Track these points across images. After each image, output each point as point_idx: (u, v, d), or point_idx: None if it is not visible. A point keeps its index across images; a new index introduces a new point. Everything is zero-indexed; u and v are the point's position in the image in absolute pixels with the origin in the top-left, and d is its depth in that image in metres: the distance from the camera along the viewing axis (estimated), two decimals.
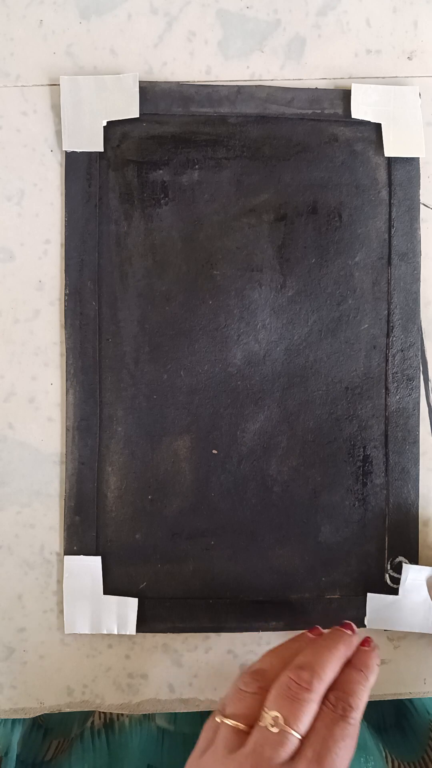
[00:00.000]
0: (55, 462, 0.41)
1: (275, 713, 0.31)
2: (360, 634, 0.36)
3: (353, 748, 0.31)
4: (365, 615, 0.40)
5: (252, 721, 0.31)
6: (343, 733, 0.31)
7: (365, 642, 0.36)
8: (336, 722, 0.31)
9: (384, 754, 0.41)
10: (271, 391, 0.41)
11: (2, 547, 0.40)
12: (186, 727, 0.43)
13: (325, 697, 0.32)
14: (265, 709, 0.31)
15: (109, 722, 0.43)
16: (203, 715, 0.43)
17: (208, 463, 0.40)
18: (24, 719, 0.42)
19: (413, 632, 0.41)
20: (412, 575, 0.40)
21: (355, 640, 0.35)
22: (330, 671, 0.32)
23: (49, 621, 0.41)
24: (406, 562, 0.41)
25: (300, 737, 0.30)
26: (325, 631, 0.36)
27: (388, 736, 0.40)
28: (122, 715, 0.43)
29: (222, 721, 0.32)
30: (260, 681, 0.33)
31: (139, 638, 0.41)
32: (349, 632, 0.35)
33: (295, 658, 0.33)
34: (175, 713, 0.43)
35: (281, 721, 0.30)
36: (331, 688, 0.33)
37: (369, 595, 0.40)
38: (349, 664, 0.34)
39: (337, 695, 0.32)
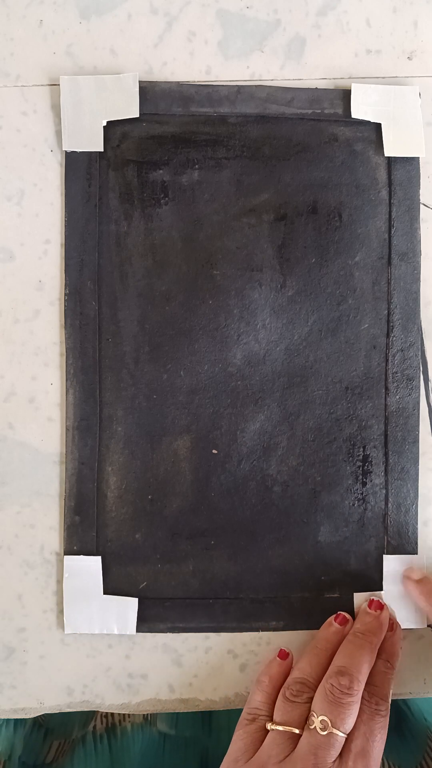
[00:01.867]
0: (55, 462, 0.41)
1: (323, 717, 0.35)
2: (386, 609, 0.39)
3: (386, 734, 0.36)
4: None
5: (301, 725, 0.36)
6: (379, 725, 0.36)
7: (391, 626, 0.39)
8: (373, 717, 0.36)
9: (383, 759, 0.41)
10: (271, 391, 0.41)
11: (2, 547, 0.40)
12: (187, 731, 0.43)
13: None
14: (313, 713, 0.35)
15: (111, 726, 0.43)
16: (204, 719, 0.43)
17: (208, 463, 0.40)
18: (26, 720, 0.42)
19: (412, 632, 0.41)
20: (392, 567, 0.40)
21: (385, 626, 0.39)
22: (366, 670, 0.36)
23: (49, 621, 0.41)
24: None
25: (346, 735, 0.35)
26: (348, 616, 0.39)
27: (388, 740, 0.40)
28: (124, 719, 0.43)
29: (274, 728, 0.36)
30: (307, 691, 0.37)
31: (139, 638, 0.41)
32: (377, 612, 0.39)
33: (333, 662, 0.37)
34: (176, 717, 0.43)
35: (329, 724, 0.34)
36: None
37: (355, 594, 0.40)
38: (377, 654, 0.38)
39: (370, 690, 0.37)
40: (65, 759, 0.42)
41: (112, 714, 0.43)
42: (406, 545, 0.41)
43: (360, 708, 0.36)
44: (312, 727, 0.35)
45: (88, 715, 0.43)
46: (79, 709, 0.41)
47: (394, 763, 0.41)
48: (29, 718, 0.43)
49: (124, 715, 0.43)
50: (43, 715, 0.41)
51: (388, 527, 0.41)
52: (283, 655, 0.39)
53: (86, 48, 0.40)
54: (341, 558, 0.41)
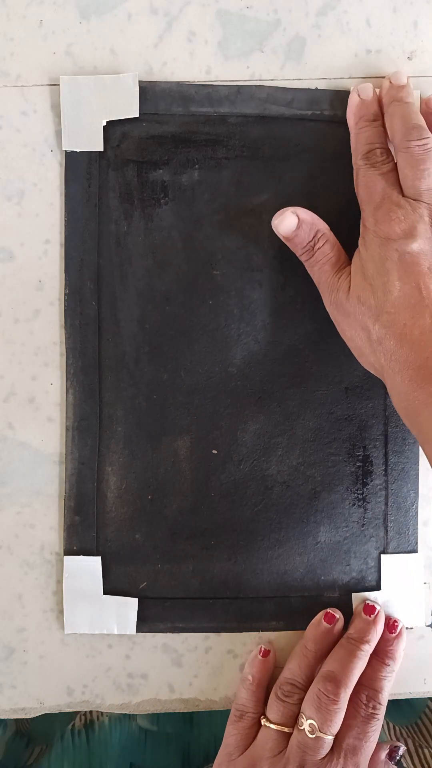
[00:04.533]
0: (55, 462, 0.41)
1: (311, 721, 0.36)
2: (382, 614, 0.39)
3: (378, 733, 0.38)
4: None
5: (292, 724, 0.37)
6: (373, 728, 0.37)
7: (392, 627, 0.39)
8: (368, 720, 0.37)
9: None
10: (271, 391, 0.41)
11: (2, 547, 0.41)
12: (169, 727, 0.43)
13: (357, 695, 0.38)
14: (302, 715, 0.37)
15: (89, 722, 0.43)
16: (185, 715, 0.43)
17: (208, 463, 0.40)
18: (6, 725, 0.43)
19: (412, 631, 0.41)
20: (391, 567, 0.40)
21: (380, 628, 0.39)
22: (354, 677, 0.37)
23: (49, 621, 0.41)
24: None
25: (333, 737, 0.36)
26: (336, 614, 0.40)
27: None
28: (102, 714, 0.43)
29: (268, 726, 0.38)
30: (297, 692, 0.38)
31: (139, 638, 0.41)
32: (371, 617, 0.39)
33: (324, 665, 0.38)
34: (158, 713, 0.43)
35: (317, 728, 0.36)
36: (361, 682, 0.38)
37: (353, 594, 0.40)
38: (375, 655, 0.39)
39: (368, 694, 0.38)
40: (44, 758, 0.42)
41: (91, 711, 0.43)
42: (406, 545, 0.41)
43: (356, 710, 0.37)
44: (301, 728, 0.36)
45: (69, 717, 0.43)
46: (79, 709, 0.41)
47: (390, 721, 0.42)
48: (12, 726, 0.43)
49: None
50: (26, 722, 0.41)
51: (388, 527, 0.41)
52: (265, 653, 0.40)
53: (86, 48, 0.40)
54: (341, 558, 0.41)
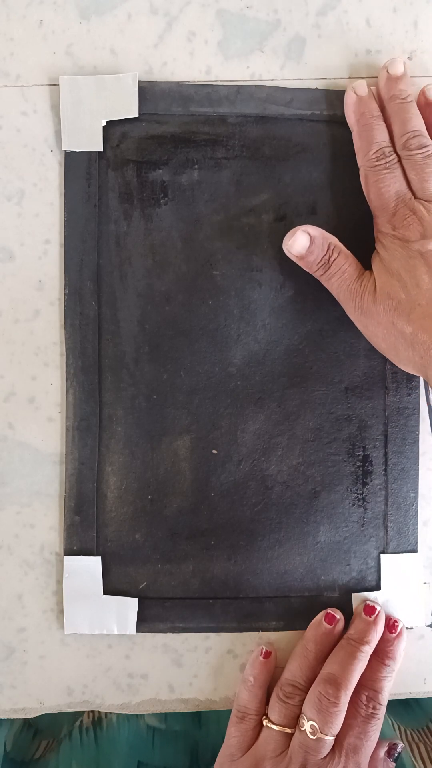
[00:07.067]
0: (55, 462, 0.41)
1: (312, 722, 0.36)
2: (382, 615, 0.39)
3: (379, 732, 0.38)
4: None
5: (293, 725, 0.38)
6: (373, 727, 0.37)
7: (392, 627, 0.39)
8: (368, 720, 0.37)
9: (390, 721, 0.43)
10: (271, 391, 0.41)
11: (2, 547, 0.41)
12: (177, 725, 0.43)
13: (358, 695, 0.38)
14: (303, 716, 0.37)
15: (97, 720, 0.43)
16: (194, 714, 0.43)
17: (208, 463, 0.40)
18: (14, 720, 0.43)
19: (412, 631, 0.41)
20: (391, 567, 0.40)
21: (380, 629, 0.39)
22: (354, 678, 0.37)
23: (49, 621, 0.41)
24: None
25: (334, 737, 0.37)
26: (336, 614, 0.40)
27: (392, 707, 0.41)
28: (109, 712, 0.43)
29: (270, 727, 0.38)
30: (298, 693, 0.38)
31: (139, 638, 0.41)
32: (371, 617, 0.39)
33: (324, 667, 0.38)
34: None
35: (318, 729, 0.36)
36: (361, 682, 0.38)
37: (353, 595, 0.40)
38: (375, 655, 0.39)
39: (368, 695, 0.38)
40: (52, 754, 0.42)
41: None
42: (406, 545, 0.41)
43: (356, 710, 0.38)
44: (303, 729, 0.37)
45: (77, 714, 0.43)
46: (78, 709, 0.41)
47: (401, 724, 0.42)
48: (19, 720, 0.43)
49: None
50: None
51: (388, 527, 0.41)
52: (266, 654, 0.40)
53: (86, 48, 0.40)
54: (341, 558, 0.41)
